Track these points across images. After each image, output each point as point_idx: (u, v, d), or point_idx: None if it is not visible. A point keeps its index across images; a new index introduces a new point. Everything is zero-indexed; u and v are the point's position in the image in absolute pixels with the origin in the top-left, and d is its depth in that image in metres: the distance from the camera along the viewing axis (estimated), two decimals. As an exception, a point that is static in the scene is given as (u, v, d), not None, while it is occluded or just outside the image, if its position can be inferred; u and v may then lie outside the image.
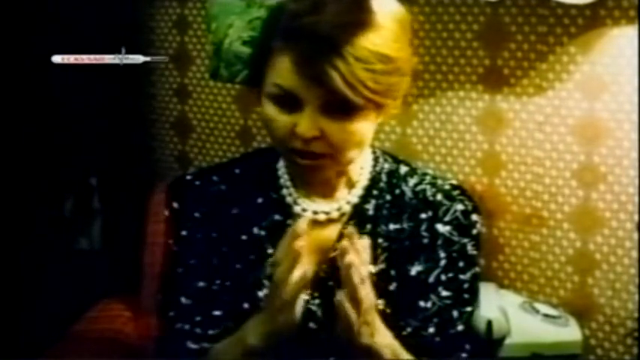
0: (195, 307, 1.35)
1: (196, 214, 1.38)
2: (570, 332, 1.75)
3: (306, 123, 1.20)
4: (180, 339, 1.34)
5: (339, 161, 1.27)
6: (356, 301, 1.17)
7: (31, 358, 1.74)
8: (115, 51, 1.70)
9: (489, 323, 1.70)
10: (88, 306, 1.98)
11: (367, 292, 1.19)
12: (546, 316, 1.76)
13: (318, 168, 1.27)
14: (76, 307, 1.96)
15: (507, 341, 1.72)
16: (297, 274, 1.18)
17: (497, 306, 1.75)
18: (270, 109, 1.24)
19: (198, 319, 1.34)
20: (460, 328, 1.33)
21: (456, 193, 1.38)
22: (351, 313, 1.18)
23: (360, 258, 1.19)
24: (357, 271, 1.17)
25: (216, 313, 1.34)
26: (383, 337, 1.25)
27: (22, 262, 2.18)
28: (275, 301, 1.20)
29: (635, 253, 1.78)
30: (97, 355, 1.79)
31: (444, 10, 1.91)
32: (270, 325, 1.22)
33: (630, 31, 1.71)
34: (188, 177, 1.43)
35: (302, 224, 1.21)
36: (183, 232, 1.38)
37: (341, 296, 1.18)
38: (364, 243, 1.22)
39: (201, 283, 1.35)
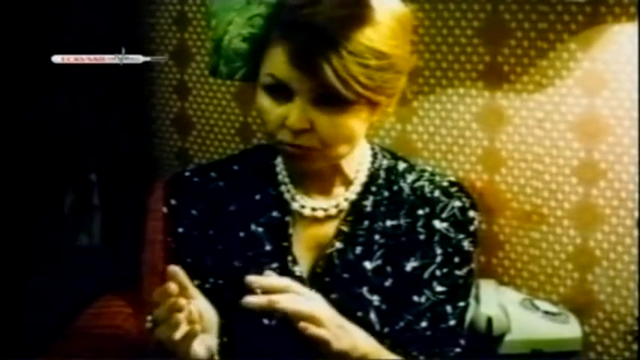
0: None
1: (193, 212, 1.38)
2: (570, 329, 1.76)
3: (296, 114, 1.19)
4: None
5: (327, 156, 1.26)
6: (316, 320, 1.15)
7: (31, 354, 1.74)
8: (115, 48, 1.70)
9: (489, 320, 1.70)
10: (89, 302, 1.98)
11: (320, 307, 1.18)
12: (546, 313, 1.76)
13: (305, 160, 1.26)
14: (77, 304, 1.97)
15: (507, 338, 1.72)
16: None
17: (497, 303, 1.75)
18: (264, 100, 1.24)
19: None
20: (452, 323, 1.33)
21: (453, 189, 1.37)
22: (319, 330, 1.15)
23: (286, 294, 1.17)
24: (298, 306, 1.15)
25: None
26: (360, 336, 1.24)
27: (22, 259, 2.18)
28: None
29: (635, 250, 1.78)
30: (97, 351, 1.80)
31: (444, 6, 1.91)
32: None
33: (630, 27, 1.71)
34: (186, 174, 1.43)
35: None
36: (180, 230, 1.38)
37: (303, 324, 1.14)
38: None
39: (195, 282, 1.35)
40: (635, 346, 1.82)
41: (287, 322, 1.16)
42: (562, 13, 1.79)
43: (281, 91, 1.21)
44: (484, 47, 1.89)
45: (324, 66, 1.14)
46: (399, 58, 1.22)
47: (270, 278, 1.17)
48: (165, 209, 1.43)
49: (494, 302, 1.75)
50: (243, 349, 1.32)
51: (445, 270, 1.33)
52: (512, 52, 1.86)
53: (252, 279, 1.16)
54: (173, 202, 1.41)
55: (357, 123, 1.23)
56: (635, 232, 1.78)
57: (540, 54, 1.83)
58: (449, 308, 1.32)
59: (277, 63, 1.20)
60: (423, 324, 1.31)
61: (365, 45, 1.16)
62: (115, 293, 2.04)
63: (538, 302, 1.80)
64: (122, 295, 2.01)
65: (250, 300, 1.14)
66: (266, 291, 1.15)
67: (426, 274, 1.32)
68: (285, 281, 1.18)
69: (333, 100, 1.18)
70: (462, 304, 1.35)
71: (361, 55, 1.15)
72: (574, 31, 1.79)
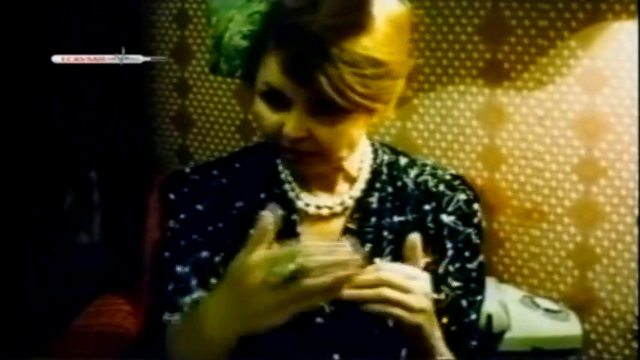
0: (189, 278, 1.33)
1: (199, 207, 1.36)
2: (570, 326, 1.76)
3: (292, 123, 1.18)
4: (160, 309, 1.32)
5: (327, 160, 1.26)
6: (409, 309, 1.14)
7: (31, 353, 1.74)
8: (115, 47, 1.69)
9: (489, 317, 1.70)
10: (88, 300, 1.98)
11: (415, 298, 1.15)
12: (547, 310, 1.76)
13: (306, 164, 1.26)
14: (76, 302, 1.96)
15: (507, 335, 1.72)
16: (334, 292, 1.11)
17: (497, 300, 1.75)
18: (260, 107, 1.23)
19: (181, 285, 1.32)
20: (473, 317, 1.34)
21: (457, 182, 1.37)
22: (412, 318, 1.14)
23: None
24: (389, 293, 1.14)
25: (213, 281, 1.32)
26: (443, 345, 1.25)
27: (22, 257, 2.18)
28: (278, 305, 1.10)
29: (635, 248, 1.79)
30: (97, 349, 1.79)
31: (445, 4, 1.91)
32: (247, 326, 1.13)
33: (631, 25, 1.71)
34: (187, 170, 1.42)
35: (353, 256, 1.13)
36: (182, 216, 1.36)
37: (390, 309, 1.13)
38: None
39: (205, 253, 1.33)
40: (634, 344, 1.82)
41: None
42: (562, 10, 1.79)
43: (277, 99, 1.20)
44: (484, 45, 1.89)
45: (319, 77, 1.13)
46: (396, 64, 1.20)
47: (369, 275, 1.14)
48: (162, 204, 1.43)
49: (494, 300, 1.75)
50: (249, 347, 1.31)
51: (458, 265, 1.33)
52: (513, 50, 1.86)
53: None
54: (172, 196, 1.40)
55: (355, 129, 1.22)
56: (636, 230, 1.78)
57: (540, 51, 1.83)
58: (465, 302, 1.33)
59: (273, 71, 1.18)
60: (444, 320, 1.31)
61: (360, 54, 1.14)
62: (115, 291, 2.03)
63: (538, 300, 1.80)
64: (121, 294, 2.01)
65: (351, 293, 1.13)
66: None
67: (440, 269, 1.32)
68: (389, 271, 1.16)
69: (330, 108, 1.17)
70: (478, 297, 1.35)
71: (357, 65, 1.14)
72: (574, 29, 1.79)
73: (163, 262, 1.36)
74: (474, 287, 1.35)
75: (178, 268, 1.34)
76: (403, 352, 1.31)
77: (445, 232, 1.34)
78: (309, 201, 1.35)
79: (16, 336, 2.02)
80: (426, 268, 1.31)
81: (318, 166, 1.27)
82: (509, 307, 1.75)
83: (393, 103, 1.26)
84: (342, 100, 1.14)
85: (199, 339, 1.16)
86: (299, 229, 1.34)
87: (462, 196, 1.36)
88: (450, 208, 1.35)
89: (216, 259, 1.33)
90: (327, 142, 1.20)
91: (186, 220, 1.36)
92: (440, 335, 1.24)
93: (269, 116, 1.21)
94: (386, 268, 1.16)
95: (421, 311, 1.15)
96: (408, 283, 1.15)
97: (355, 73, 1.14)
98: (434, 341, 1.22)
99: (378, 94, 1.18)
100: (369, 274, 1.15)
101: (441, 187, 1.36)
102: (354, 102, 1.15)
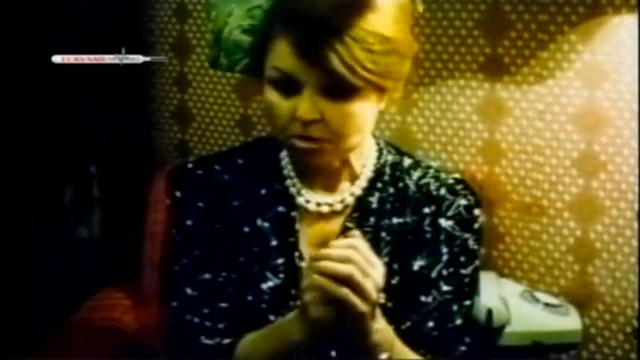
0: (201, 299, 1.34)
1: (200, 204, 1.37)
2: (570, 321, 1.76)
3: (305, 106, 1.19)
4: (193, 333, 1.33)
5: (338, 147, 1.26)
6: (363, 295, 1.14)
7: (31, 347, 1.74)
8: (114, 40, 1.69)
9: (489, 312, 1.70)
10: (88, 295, 1.98)
11: (372, 285, 1.16)
12: (547, 305, 1.76)
13: (317, 153, 1.26)
14: (76, 296, 1.96)
15: (508, 330, 1.72)
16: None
17: (497, 295, 1.75)
18: (271, 95, 1.23)
19: (205, 311, 1.33)
20: (459, 322, 1.33)
21: (459, 187, 1.37)
22: (362, 306, 1.14)
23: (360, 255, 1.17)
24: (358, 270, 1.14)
25: (223, 305, 1.33)
26: (385, 328, 1.24)
27: (21, 251, 2.18)
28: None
29: (635, 242, 1.78)
30: (96, 343, 1.79)
31: (445, -2, 1.91)
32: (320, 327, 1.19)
33: (631, 19, 1.71)
34: (190, 165, 1.42)
35: None
36: (189, 222, 1.37)
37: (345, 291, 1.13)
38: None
39: (207, 275, 1.34)
40: (634, 339, 1.82)
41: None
42: (562, 4, 1.79)
43: (288, 84, 1.21)
44: (484, 39, 1.88)
45: (329, 54, 1.14)
46: (402, 42, 1.22)
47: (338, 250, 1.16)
48: (168, 201, 1.43)
49: (494, 294, 1.75)
50: None
51: (451, 269, 1.33)
52: (513, 44, 1.85)
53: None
54: (178, 194, 1.41)
55: (365, 111, 1.23)
56: (635, 225, 1.78)
57: (541, 46, 1.83)
58: (455, 307, 1.32)
59: (282, 55, 1.19)
60: (430, 324, 1.31)
61: (368, 30, 1.16)
62: (115, 286, 2.03)
63: (538, 294, 1.80)
64: (121, 288, 2.01)
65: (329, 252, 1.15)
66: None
67: (434, 274, 1.32)
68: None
69: (340, 90, 1.18)
70: (467, 302, 1.35)
71: (365, 41, 1.16)
72: (574, 23, 1.78)
73: (174, 278, 1.38)
74: (466, 292, 1.35)
75: (188, 290, 1.35)
76: None
77: (442, 237, 1.34)
78: (310, 197, 1.35)
79: (16, 330, 2.02)
80: (419, 272, 1.32)
81: (327, 156, 1.27)
82: (510, 302, 1.75)
83: (401, 83, 1.27)
84: (353, 77, 1.16)
85: (285, 344, 1.24)
86: (297, 226, 1.35)
87: (463, 201, 1.36)
88: (449, 213, 1.35)
89: (219, 279, 1.35)
90: (338, 124, 1.21)
91: (189, 228, 1.37)
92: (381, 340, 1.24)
93: (281, 103, 1.22)
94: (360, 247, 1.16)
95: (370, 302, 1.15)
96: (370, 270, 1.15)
97: (364, 48, 1.15)
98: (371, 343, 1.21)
99: (387, 71, 1.20)
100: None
101: (442, 191, 1.36)
102: (365, 78, 1.17)
